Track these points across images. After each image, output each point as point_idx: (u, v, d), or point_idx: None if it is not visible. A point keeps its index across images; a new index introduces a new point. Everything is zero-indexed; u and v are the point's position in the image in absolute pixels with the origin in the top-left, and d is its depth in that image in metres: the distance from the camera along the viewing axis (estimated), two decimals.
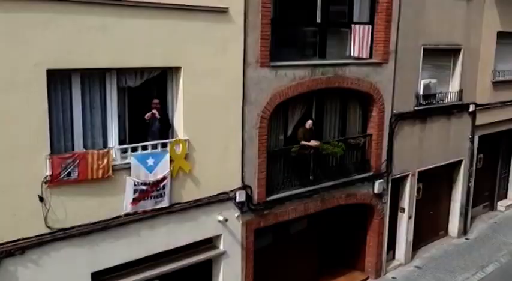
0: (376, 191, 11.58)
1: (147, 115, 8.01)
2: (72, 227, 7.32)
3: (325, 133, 10.91)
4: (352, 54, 10.83)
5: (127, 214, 7.79)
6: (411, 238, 12.93)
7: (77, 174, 7.20)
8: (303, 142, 10.09)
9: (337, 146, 10.38)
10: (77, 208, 7.31)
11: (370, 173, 11.48)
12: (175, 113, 8.36)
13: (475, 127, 13.90)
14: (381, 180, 11.65)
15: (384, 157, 11.68)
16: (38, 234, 7.05)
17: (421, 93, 12.22)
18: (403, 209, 12.74)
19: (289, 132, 10.30)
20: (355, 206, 11.58)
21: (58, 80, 7.21)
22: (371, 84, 11.04)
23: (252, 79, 9.02)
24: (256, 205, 9.52)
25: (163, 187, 8.06)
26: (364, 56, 10.90)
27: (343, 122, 11.22)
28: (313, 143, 10.14)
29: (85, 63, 7.14)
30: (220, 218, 8.93)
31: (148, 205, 7.97)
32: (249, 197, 9.34)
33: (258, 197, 9.51)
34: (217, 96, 8.56)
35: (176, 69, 8.17)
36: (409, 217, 12.77)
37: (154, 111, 8.03)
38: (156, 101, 8.11)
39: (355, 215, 11.92)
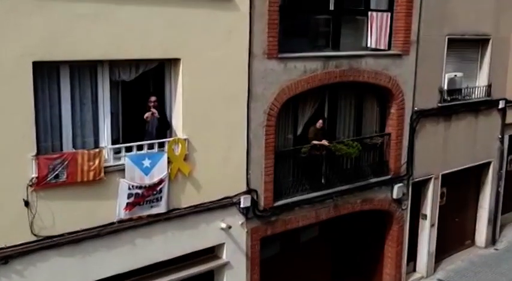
0: (395, 196, 11.54)
1: (147, 115, 8.01)
2: (61, 235, 7.32)
3: (339, 132, 10.89)
4: (369, 45, 10.81)
5: (121, 221, 7.79)
6: (434, 248, 12.88)
7: (65, 176, 7.20)
8: (315, 142, 10.07)
9: (352, 146, 10.35)
10: (65, 213, 7.31)
11: (389, 177, 11.46)
12: (173, 109, 8.36)
13: (505, 125, 13.82)
14: (401, 184, 11.62)
15: (404, 158, 11.65)
16: (23, 242, 7.06)
17: (445, 88, 12.17)
18: (425, 216, 12.69)
19: (299, 131, 10.29)
20: (372, 213, 11.55)
21: (45, 73, 7.21)
22: (390, 78, 11.00)
23: (258, 72, 9.00)
24: (263, 211, 9.51)
25: (161, 190, 8.05)
26: (382, 47, 10.87)
27: (358, 120, 11.19)
28: (325, 142, 10.10)
29: (75, 54, 7.14)
30: (223, 225, 8.93)
31: (143, 210, 7.97)
32: (254, 202, 9.33)
33: (265, 203, 9.50)
34: (220, 91, 8.55)
35: (175, 62, 8.16)
36: (432, 225, 12.73)
37: (154, 110, 8.02)
38: (153, 98, 8.11)
39: (371, 222, 11.88)
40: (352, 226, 11.66)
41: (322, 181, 10.53)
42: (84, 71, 7.56)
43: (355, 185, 10.87)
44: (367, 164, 11.22)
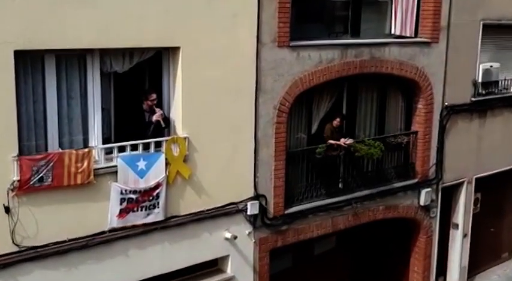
0: (422, 202, 11.50)
1: (157, 119, 8.01)
2: (46, 245, 7.34)
3: (359, 130, 10.87)
4: (393, 32, 10.80)
5: (112, 230, 7.80)
6: (466, 261, 12.82)
7: (51, 179, 7.21)
8: (331, 141, 10.05)
9: (373, 146, 10.32)
10: (51, 221, 7.32)
11: (415, 180, 11.42)
12: (172, 104, 8.36)
13: None
14: (429, 189, 11.57)
15: (433, 160, 11.59)
16: (3, 253, 7.08)
17: (480, 80, 12.10)
18: (456, 226, 12.64)
19: (314, 128, 10.28)
20: (396, 222, 11.50)
21: (28, 64, 7.22)
22: (417, 69, 10.96)
23: (267, 62, 8.99)
24: (272, 219, 9.50)
25: (157, 196, 8.06)
26: (408, 34, 10.84)
27: (381, 117, 11.17)
28: (343, 141, 10.06)
29: (61, 42, 7.15)
30: (228, 235, 8.92)
31: (138, 218, 7.97)
32: (263, 209, 9.32)
33: (275, 210, 9.49)
34: (224, 84, 8.54)
35: (173, 51, 8.16)
36: (464, 236, 12.67)
37: (160, 111, 8.02)
38: (154, 95, 8.13)
39: (395, 232, 11.85)
40: (374, 237, 11.62)
41: (340, 185, 10.51)
42: (72, 62, 7.56)
43: (377, 190, 10.84)
44: (391, 167, 11.19)
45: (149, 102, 8.13)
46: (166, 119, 8.25)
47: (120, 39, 7.57)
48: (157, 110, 8.11)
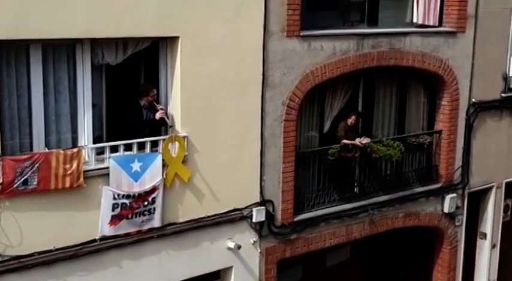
0: (446, 209, 11.47)
1: (160, 115, 8.01)
2: (30, 255, 7.34)
3: (376, 129, 10.87)
4: (414, 20, 10.75)
5: (104, 238, 7.81)
6: (495, 275, 12.79)
7: (36, 182, 7.22)
8: (345, 141, 10.03)
9: (392, 146, 10.31)
10: (36, 228, 7.33)
11: (439, 185, 11.40)
12: (170, 99, 8.36)
13: None
14: (454, 194, 11.55)
15: (458, 162, 11.58)
16: None
17: (511, 74, 12.01)
18: (484, 235, 12.61)
19: (327, 127, 10.28)
20: (417, 231, 11.48)
21: (12, 55, 7.23)
22: (441, 62, 10.93)
23: (275, 54, 8.98)
24: (280, 226, 9.49)
25: (153, 201, 8.06)
26: (431, 23, 10.81)
27: (401, 114, 11.15)
28: (359, 141, 10.03)
29: (48, 32, 7.15)
30: (231, 244, 8.93)
31: (132, 225, 7.97)
32: (270, 216, 9.31)
33: (283, 217, 9.48)
34: (228, 78, 8.54)
35: (172, 41, 8.16)
36: (493, 246, 12.64)
37: (161, 108, 8.03)
38: (154, 91, 8.13)
39: (416, 242, 11.84)
40: (392, 247, 11.60)
41: (355, 190, 10.51)
42: (60, 53, 7.57)
43: (396, 196, 10.82)
44: (412, 170, 11.18)
45: (149, 98, 8.13)
46: (168, 117, 8.26)
47: (113, 28, 7.57)
48: (158, 106, 8.10)
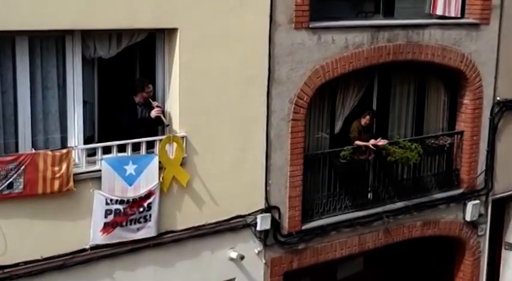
0: (468, 217, 11.46)
1: (156, 113, 8.02)
2: (15, 265, 7.34)
3: (392, 129, 10.87)
4: (434, 12, 10.73)
5: (95, 247, 7.80)
6: None
7: (22, 186, 7.22)
8: (359, 142, 10.03)
9: (410, 149, 10.29)
10: (22, 236, 7.33)
11: (460, 191, 11.40)
12: (167, 97, 8.37)
13: None
14: (476, 201, 11.53)
15: (482, 166, 11.57)
16: None
17: None
18: (509, 246, 12.60)
19: (338, 127, 10.29)
20: (437, 240, 11.46)
21: None
22: (463, 57, 10.92)
23: (282, 47, 8.99)
24: (287, 235, 9.49)
25: (149, 207, 8.06)
26: (452, 14, 10.80)
27: (419, 114, 11.16)
28: (373, 143, 10.03)
29: (36, 22, 7.15)
30: (233, 254, 8.93)
31: (126, 233, 7.97)
32: (276, 224, 9.31)
33: (290, 225, 9.48)
34: (231, 73, 8.54)
35: (170, 33, 8.17)
36: None
37: (157, 104, 8.03)
38: (150, 87, 8.14)
39: (436, 253, 11.82)
40: (409, 258, 11.57)
41: (369, 196, 10.51)
42: (49, 45, 7.58)
43: (414, 202, 10.82)
44: (431, 174, 11.17)
45: (145, 94, 8.13)
46: (164, 115, 8.25)
47: (106, 19, 7.57)
48: (154, 103, 8.09)
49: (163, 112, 8.20)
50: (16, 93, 7.40)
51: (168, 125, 8.27)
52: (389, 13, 10.45)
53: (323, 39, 9.36)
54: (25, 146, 7.48)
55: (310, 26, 9.18)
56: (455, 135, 11.34)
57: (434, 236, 11.25)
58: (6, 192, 7.14)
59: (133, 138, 8.03)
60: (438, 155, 11.21)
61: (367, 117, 10.14)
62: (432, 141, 11.02)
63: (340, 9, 9.97)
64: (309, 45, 9.23)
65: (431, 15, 10.76)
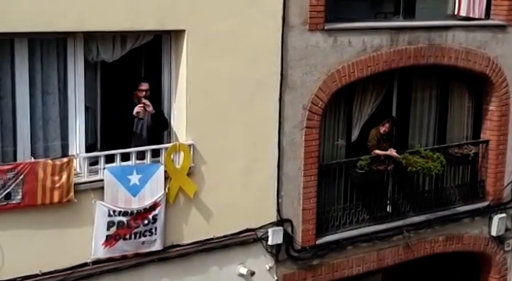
0: (494, 232, 11.43)
1: (138, 110, 8.06)
2: (13, 280, 7.37)
3: (413, 138, 10.86)
4: (457, 13, 10.72)
5: (97, 261, 7.83)
6: None
7: (20, 197, 7.26)
8: (377, 151, 10.03)
9: (432, 158, 10.28)
10: (20, 249, 7.37)
11: (485, 204, 11.35)
12: (173, 103, 8.40)
13: None
14: (503, 214, 11.49)
15: (509, 177, 11.53)
16: None
17: None
18: None
19: (355, 135, 10.30)
20: (460, 256, 11.42)
21: None
22: (488, 60, 10.91)
23: (296, 50, 9.02)
24: (301, 250, 9.49)
25: (154, 219, 8.09)
26: (477, 15, 10.80)
27: (441, 121, 11.15)
28: (393, 153, 10.04)
29: (36, 24, 7.20)
30: (243, 270, 8.94)
31: (130, 247, 8.00)
32: (288, 238, 9.32)
33: (304, 239, 9.49)
34: (240, 78, 8.57)
35: (177, 35, 8.22)
36: None
37: (146, 102, 8.07)
38: (144, 86, 8.18)
39: (459, 270, 11.76)
40: (431, 275, 11.52)
41: (388, 208, 10.50)
42: (49, 48, 7.64)
43: (436, 216, 10.79)
44: (454, 185, 11.15)
45: (138, 93, 8.14)
46: (159, 117, 8.22)
47: (109, 21, 7.62)
48: (144, 101, 8.05)
49: (158, 115, 8.14)
50: (15, 99, 7.46)
51: (165, 129, 8.23)
52: (410, 14, 10.44)
53: (339, 41, 9.38)
54: (24, 154, 7.54)
55: (326, 27, 9.20)
56: (481, 144, 11.31)
57: (457, 251, 11.22)
58: (4, 203, 7.18)
59: (138, 147, 8.07)
60: (462, 166, 11.19)
61: (387, 124, 10.14)
62: (456, 150, 10.99)
63: (358, 10, 10.00)
64: (324, 48, 9.25)
65: (454, 17, 10.75)
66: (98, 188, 7.76)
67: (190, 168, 8.31)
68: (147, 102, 8.08)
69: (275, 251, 9.24)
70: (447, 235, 10.99)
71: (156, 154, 8.19)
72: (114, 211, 7.80)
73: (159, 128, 8.33)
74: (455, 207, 11.08)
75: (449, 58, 10.47)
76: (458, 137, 11.34)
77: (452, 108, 11.27)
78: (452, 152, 10.93)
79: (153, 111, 8.13)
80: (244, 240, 8.93)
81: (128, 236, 7.94)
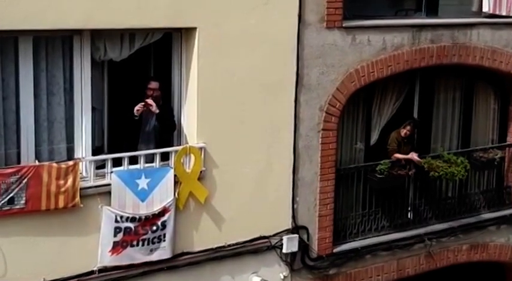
0: None
1: (138, 108, 8.07)
2: None
3: (435, 141, 10.85)
4: (482, 9, 10.69)
5: (103, 269, 7.84)
6: None
7: (24, 201, 7.27)
8: (398, 156, 10.00)
9: (455, 163, 10.24)
10: (23, 256, 7.38)
11: None
12: (184, 103, 8.41)
13: None
14: None
15: None
16: None
17: None
18: None
19: (374, 138, 10.30)
20: (485, 266, 11.38)
21: None
22: None
23: (312, 49, 9.01)
24: (317, 259, 9.48)
25: (163, 225, 8.09)
26: (504, 12, 10.74)
27: (465, 124, 11.14)
28: (415, 157, 10.00)
29: (41, 21, 7.22)
30: (256, 279, 8.94)
31: (138, 254, 8.00)
32: (304, 246, 9.31)
33: (320, 247, 9.48)
34: (254, 78, 8.57)
35: (188, 33, 8.23)
36: None
37: (150, 101, 8.07)
38: (153, 84, 8.19)
39: (484, 280, 11.68)
40: None
41: (409, 215, 10.48)
42: (55, 46, 7.66)
43: (460, 223, 10.76)
44: (479, 191, 11.12)
45: (147, 93, 8.15)
46: (163, 118, 8.19)
47: (118, 18, 7.63)
48: (148, 101, 8.05)
49: (163, 115, 8.13)
50: (18, 99, 7.48)
51: (172, 129, 8.24)
52: (432, 11, 10.42)
53: (358, 40, 9.37)
54: (28, 157, 7.55)
55: (344, 25, 9.19)
56: (507, 148, 11.28)
57: (482, 261, 11.18)
58: (7, 208, 7.20)
59: (147, 150, 8.08)
60: (487, 170, 11.16)
61: (408, 127, 10.10)
62: (480, 154, 10.94)
63: (378, 7, 10.00)
64: (342, 46, 9.24)
65: (479, 14, 10.71)
66: (105, 193, 7.77)
67: (201, 172, 8.32)
68: (150, 101, 8.08)
69: (290, 260, 9.23)
70: (471, 244, 10.95)
71: (165, 157, 8.19)
72: (121, 217, 7.81)
73: (164, 130, 8.31)
74: (480, 214, 11.05)
75: (474, 57, 10.43)
76: (483, 140, 11.31)
77: (477, 110, 11.24)
78: (477, 156, 10.89)
79: (157, 111, 8.13)
80: (257, 248, 8.92)
81: (135, 243, 7.94)
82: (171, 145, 8.36)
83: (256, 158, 8.74)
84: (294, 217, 9.18)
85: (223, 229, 8.61)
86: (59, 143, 7.80)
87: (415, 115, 10.57)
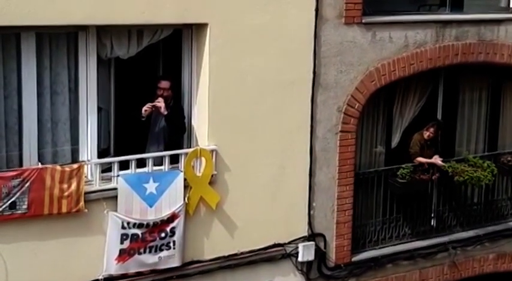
0: None
1: (145, 109, 8.08)
2: None
3: (460, 144, 10.83)
4: (510, 4, 10.71)
5: (109, 278, 7.85)
6: None
7: (26, 206, 7.30)
8: (420, 159, 9.97)
9: (481, 167, 10.21)
10: (24, 263, 7.40)
11: None
12: (194, 104, 8.42)
13: None
14: None
15: None
16: None
17: None
18: None
19: (396, 141, 10.28)
20: None
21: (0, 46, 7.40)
22: None
23: (330, 46, 9.00)
24: (334, 268, 9.47)
25: (172, 232, 8.10)
26: None
27: (492, 126, 11.11)
28: (439, 161, 9.97)
29: (45, 16, 7.24)
30: None
31: (145, 262, 8.01)
32: (321, 254, 9.31)
33: (338, 255, 9.47)
34: (268, 76, 8.57)
35: (198, 29, 8.24)
36: None
37: (159, 102, 8.07)
38: (164, 84, 8.20)
39: None
40: None
41: (432, 222, 10.47)
42: (59, 43, 7.68)
43: (486, 231, 10.74)
44: (506, 197, 11.10)
45: (158, 92, 8.17)
46: (171, 119, 8.19)
47: (125, 13, 7.65)
48: (157, 101, 8.06)
49: (171, 116, 8.13)
50: (21, 99, 7.51)
51: (180, 130, 8.26)
52: (457, 6, 10.39)
53: (378, 36, 9.36)
54: (30, 159, 7.58)
55: (363, 21, 9.19)
56: None
57: (509, 271, 11.15)
58: (8, 212, 7.23)
59: (155, 153, 8.10)
60: None
61: (431, 129, 10.08)
62: (508, 158, 10.91)
63: (399, 2, 10.00)
64: (361, 43, 9.24)
65: (507, 9, 10.70)
66: (111, 198, 7.79)
67: (212, 176, 8.32)
68: (159, 103, 8.08)
69: (306, 269, 9.23)
70: (498, 253, 10.93)
71: (174, 160, 8.20)
72: (128, 223, 7.82)
73: (173, 131, 8.32)
74: (507, 221, 11.04)
75: (501, 55, 10.40)
76: (511, 143, 11.22)
77: (505, 112, 11.20)
78: (504, 160, 10.86)
79: (166, 113, 8.13)
80: (271, 256, 8.92)
81: (143, 251, 7.95)
82: (181, 147, 8.37)
83: (271, 161, 8.74)
84: (310, 224, 9.17)
85: (236, 236, 8.61)
86: (63, 145, 7.83)
87: (439, 116, 10.55)
